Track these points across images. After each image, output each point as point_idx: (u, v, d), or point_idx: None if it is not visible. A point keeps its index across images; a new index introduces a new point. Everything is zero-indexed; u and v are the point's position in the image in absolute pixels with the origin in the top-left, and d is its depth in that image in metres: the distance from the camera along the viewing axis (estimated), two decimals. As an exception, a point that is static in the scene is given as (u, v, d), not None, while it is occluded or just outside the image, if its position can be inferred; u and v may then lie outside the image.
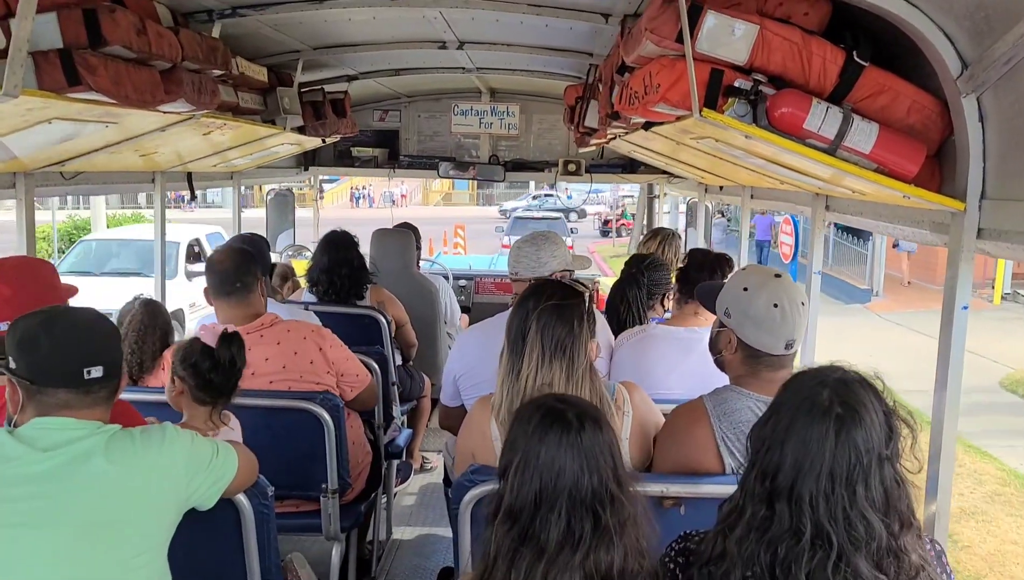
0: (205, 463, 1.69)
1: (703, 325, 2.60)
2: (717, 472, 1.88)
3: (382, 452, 3.37)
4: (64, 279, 2.09)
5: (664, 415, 2.13)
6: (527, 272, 2.75)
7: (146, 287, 7.17)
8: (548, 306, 1.96)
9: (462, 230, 19.74)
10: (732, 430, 1.88)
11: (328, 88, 4.25)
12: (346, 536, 2.93)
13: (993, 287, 15.28)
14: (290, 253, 5.68)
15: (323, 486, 2.69)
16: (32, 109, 1.81)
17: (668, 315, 3.22)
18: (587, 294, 2.06)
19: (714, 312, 2.07)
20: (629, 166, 5.58)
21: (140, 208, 27.04)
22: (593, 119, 3.53)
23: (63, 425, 1.54)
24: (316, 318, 3.25)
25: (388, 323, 3.85)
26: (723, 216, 18.25)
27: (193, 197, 4.38)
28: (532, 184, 28.73)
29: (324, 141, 4.51)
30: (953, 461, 1.96)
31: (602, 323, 2.85)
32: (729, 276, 2.53)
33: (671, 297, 3.28)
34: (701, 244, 5.23)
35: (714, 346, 2.05)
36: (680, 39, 1.86)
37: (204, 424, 2.15)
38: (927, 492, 1.91)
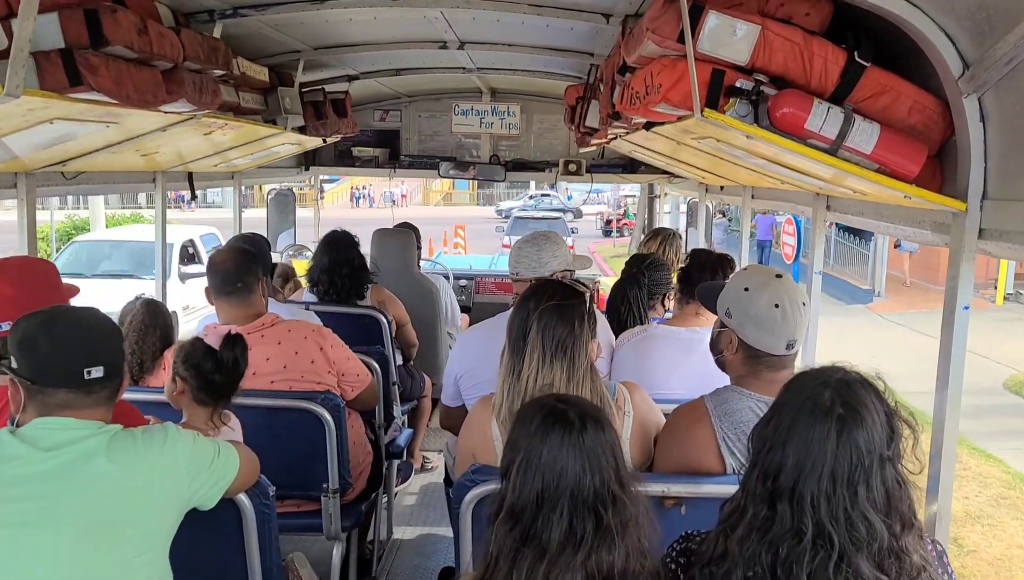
0: (207, 463, 1.70)
1: (704, 325, 2.60)
2: (718, 472, 1.88)
3: (383, 452, 3.37)
4: (56, 281, 2.08)
5: (665, 415, 2.13)
6: (528, 272, 2.75)
7: (139, 289, 7.15)
8: (549, 306, 1.96)
9: (462, 230, 19.75)
10: (733, 430, 1.88)
11: (329, 88, 4.25)
12: (347, 536, 2.94)
13: (996, 288, 15.24)
14: (291, 253, 5.68)
15: (324, 486, 2.69)
16: (34, 109, 1.81)
17: (669, 315, 3.22)
18: (588, 294, 2.06)
19: (715, 312, 2.07)
20: (630, 166, 5.58)
21: (140, 208, 27.02)
22: (594, 119, 3.53)
23: (65, 425, 1.54)
24: (317, 318, 3.25)
25: (389, 323, 3.85)
26: (724, 216, 18.22)
27: (194, 197, 4.38)
28: (532, 184, 28.74)
29: (325, 141, 4.52)
30: (954, 462, 1.96)
31: (603, 323, 2.85)
32: (730, 276, 2.53)
33: (672, 297, 3.29)
34: (702, 244, 5.22)
35: (715, 346, 2.06)
36: (681, 39, 1.86)
37: (204, 424, 2.15)
38: (928, 493, 1.91)
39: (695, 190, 5.25)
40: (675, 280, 3.28)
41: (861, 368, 1.36)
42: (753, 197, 3.96)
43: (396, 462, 3.82)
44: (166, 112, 2.37)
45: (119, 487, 1.54)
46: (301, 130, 3.79)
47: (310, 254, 4.71)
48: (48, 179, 2.76)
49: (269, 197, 6.04)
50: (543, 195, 34.06)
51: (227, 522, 1.89)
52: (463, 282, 6.69)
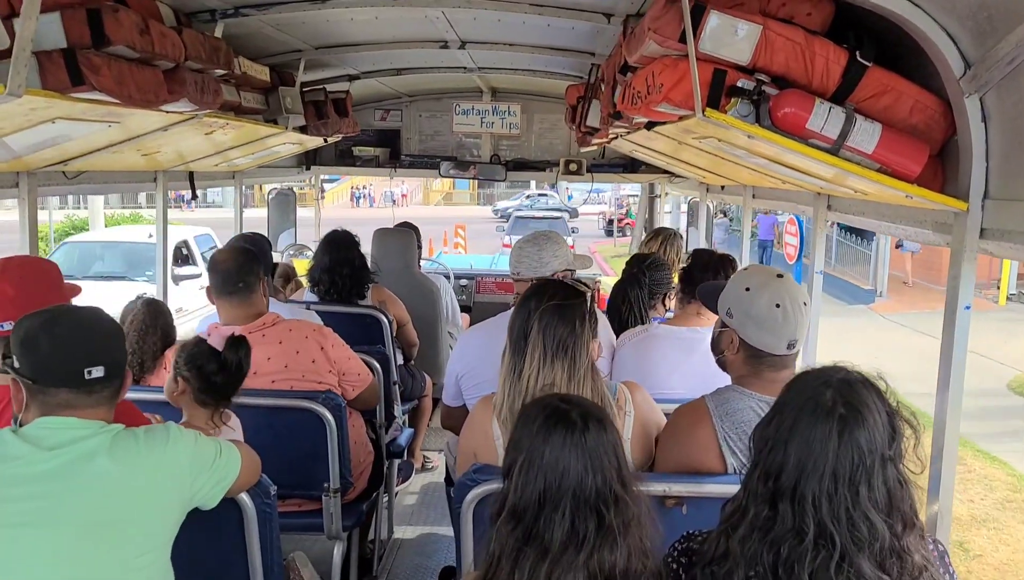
0: (209, 463, 1.70)
1: (705, 325, 2.60)
2: (719, 472, 1.88)
3: (384, 451, 3.38)
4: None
5: (666, 415, 2.13)
6: (529, 272, 2.75)
7: (132, 291, 7.08)
8: (550, 306, 1.96)
9: (462, 230, 19.75)
10: (734, 430, 1.88)
11: (330, 87, 4.25)
12: (348, 535, 2.94)
13: (999, 288, 15.13)
14: (291, 252, 5.68)
15: (325, 485, 2.69)
16: (36, 109, 1.82)
17: (670, 315, 3.23)
18: (589, 294, 2.06)
19: (716, 312, 2.07)
20: (630, 166, 5.58)
21: (140, 207, 26.98)
22: (595, 118, 3.53)
23: (67, 425, 1.54)
24: (318, 317, 3.25)
25: (389, 322, 3.85)
26: (725, 216, 18.20)
27: (194, 196, 4.38)
28: (533, 184, 28.71)
29: (326, 140, 4.52)
30: (955, 462, 1.96)
31: (604, 323, 2.85)
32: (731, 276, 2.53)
33: (673, 297, 3.29)
34: (702, 244, 5.22)
35: (716, 346, 2.05)
36: (683, 39, 1.86)
37: (205, 424, 2.15)
38: (929, 492, 1.91)
39: (696, 190, 5.25)
40: (676, 280, 3.28)
41: (863, 368, 1.36)
42: (754, 197, 3.96)
43: (397, 461, 3.82)
44: (167, 112, 2.37)
45: (121, 486, 1.54)
46: (302, 130, 3.80)
47: (311, 254, 4.72)
48: (49, 178, 2.76)
49: (270, 197, 6.04)
50: (540, 195, 33.99)
51: (228, 522, 1.89)
52: (464, 282, 6.69)
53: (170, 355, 2.42)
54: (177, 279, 9.82)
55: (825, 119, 1.82)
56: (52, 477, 1.50)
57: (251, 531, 1.92)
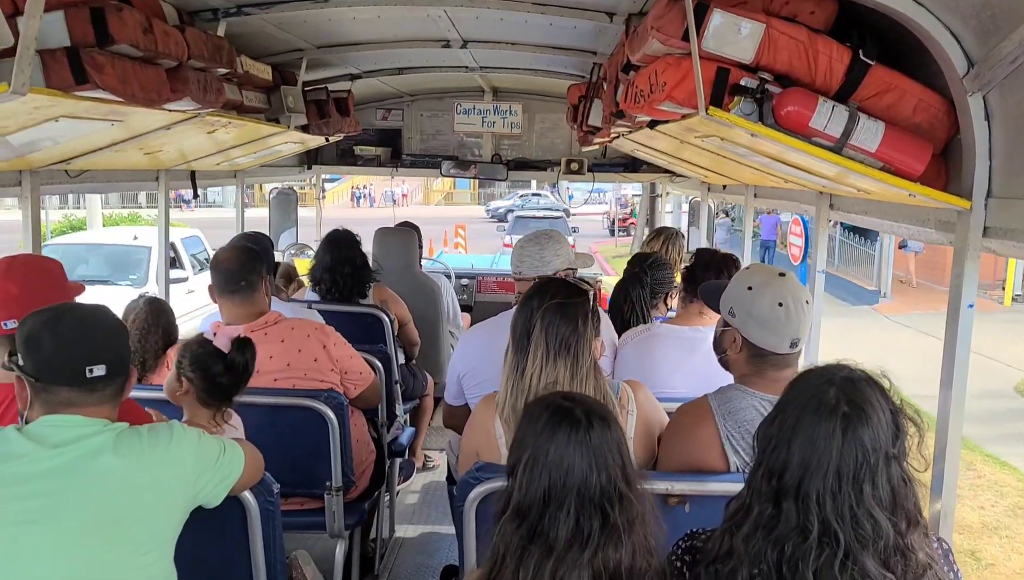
0: (212, 461, 1.70)
1: (708, 324, 2.60)
2: (722, 470, 1.88)
3: (385, 450, 3.38)
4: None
5: (668, 414, 2.13)
6: (531, 271, 2.75)
7: (115, 297, 7.01)
8: (552, 305, 1.96)
9: (463, 230, 19.75)
10: (737, 429, 1.89)
11: (331, 87, 4.26)
12: (350, 534, 2.94)
13: (1004, 288, 14.99)
14: (293, 252, 5.68)
15: (327, 484, 2.69)
16: (39, 107, 1.82)
17: (672, 314, 3.22)
18: (591, 292, 2.06)
19: (718, 311, 2.07)
20: (631, 165, 5.57)
21: (140, 207, 26.93)
22: (597, 118, 3.53)
23: (71, 422, 1.54)
24: (319, 316, 3.25)
25: (391, 322, 3.85)
26: (727, 216, 18.17)
27: (196, 195, 4.38)
28: (534, 183, 28.70)
29: (327, 140, 4.52)
30: (958, 460, 1.96)
31: (606, 322, 2.85)
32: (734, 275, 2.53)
33: (674, 296, 3.29)
34: (704, 244, 5.22)
35: (718, 345, 2.06)
36: (686, 37, 1.86)
37: (208, 423, 2.15)
38: (932, 491, 1.91)
39: (697, 189, 5.24)
40: (678, 279, 3.28)
41: (866, 366, 1.36)
42: (756, 196, 3.96)
43: (398, 460, 3.83)
44: (170, 110, 2.38)
45: (126, 484, 1.54)
46: (304, 129, 3.80)
47: (312, 253, 4.72)
48: (52, 177, 2.76)
49: (271, 196, 6.05)
50: (533, 194, 33.87)
51: (232, 519, 1.90)
52: (465, 281, 6.70)
53: (172, 354, 2.42)
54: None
55: (828, 117, 1.82)
56: (56, 475, 1.50)
57: (254, 529, 1.92)
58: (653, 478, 1.84)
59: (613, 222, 26.21)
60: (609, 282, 6.30)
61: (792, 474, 1.29)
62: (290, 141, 4.07)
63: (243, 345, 2.19)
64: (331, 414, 2.61)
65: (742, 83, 1.87)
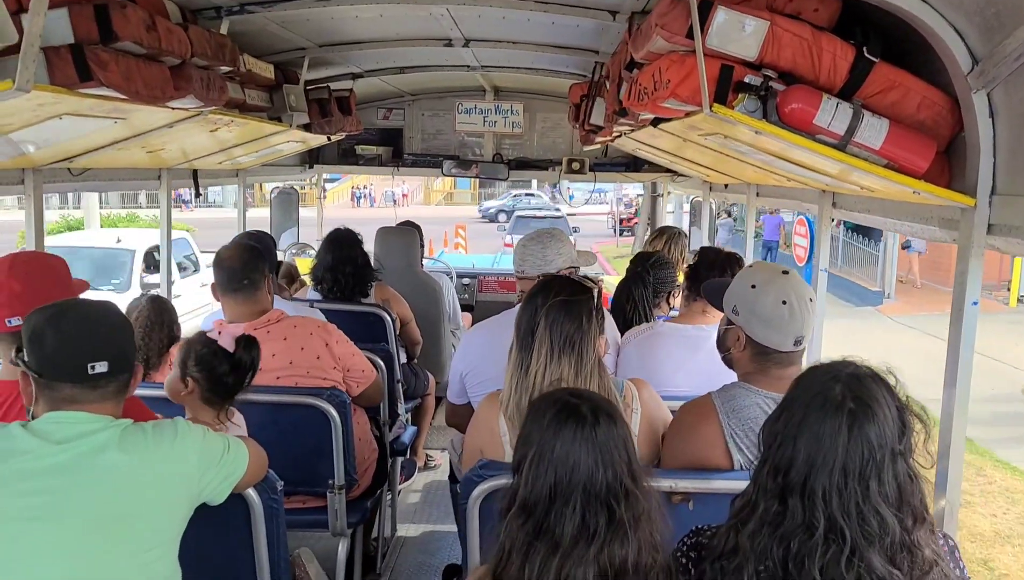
0: (217, 458, 1.70)
1: (711, 323, 2.60)
2: (726, 468, 1.88)
3: (387, 449, 3.38)
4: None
5: (672, 412, 2.13)
6: (533, 270, 2.75)
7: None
8: (557, 302, 1.96)
9: (463, 230, 19.75)
10: (741, 427, 1.88)
11: (333, 86, 4.26)
12: (352, 532, 2.94)
13: (1009, 289, 14.82)
14: (294, 251, 5.68)
15: (330, 482, 2.69)
16: (43, 104, 1.82)
17: (674, 313, 3.22)
18: (595, 290, 2.06)
19: (721, 309, 2.07)
20: (633, 164, 5.57)
21: (140, 207, 26.86)
22: (599, 116, 3.53)
23: (75, 419, 1.54)
24: (321, 315, 3.25)
25: (393, 321, 3.85)
26: (729, 216, 18.15)
27: (198, 194, 4.38)
28: (534, 182, 28.71)
29: (329, 139, 4.52)
30: (963, 457, 1.96)
31: (608, 321, 2.85)
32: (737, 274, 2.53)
33: (677, 295, 3.29)
34: (705, 244, 5.22)
35: (722, 344, 2.06)
36: (690, 35, 1.86)
37: (212, 421, 2.15)
38: (936, 488, 1.91)
39: (699, 188, 5.24)
40: (681, 278, 3.28)
41: (872, 362, 1.36)
42: (758, 195, 3.96)
43: (400, 459, 3.83)
44: (173, 108, 2.37)
45: (131, 480, 1.53)
46: (306, 128, 3.80)
47: (313, 253, 4.72)
48: (55, 175, 2.76)
49: (272, 196, 6.05)
50: (527, 194, 33.85)
51: (235, 517, 1.90)
52: (466, 281, 6.70)
53: (175, 352, 2.41)
54: (146, 287, 8.93)
55: (832, 115, 1.82)
56: (61, 471, 1.50)
57: (258, 526, 1.92)
58: (657, 476, 1.84)
59: (619, 222, 26.20)
60: (610, 282, 6.30)
61: (798, 471, 1.29)
62: (292, 140, 4.07)
63: (249, 343, 2.19)
64: (334, 412, 2.61)
65: (746, 80, 1.87)
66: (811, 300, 1.95)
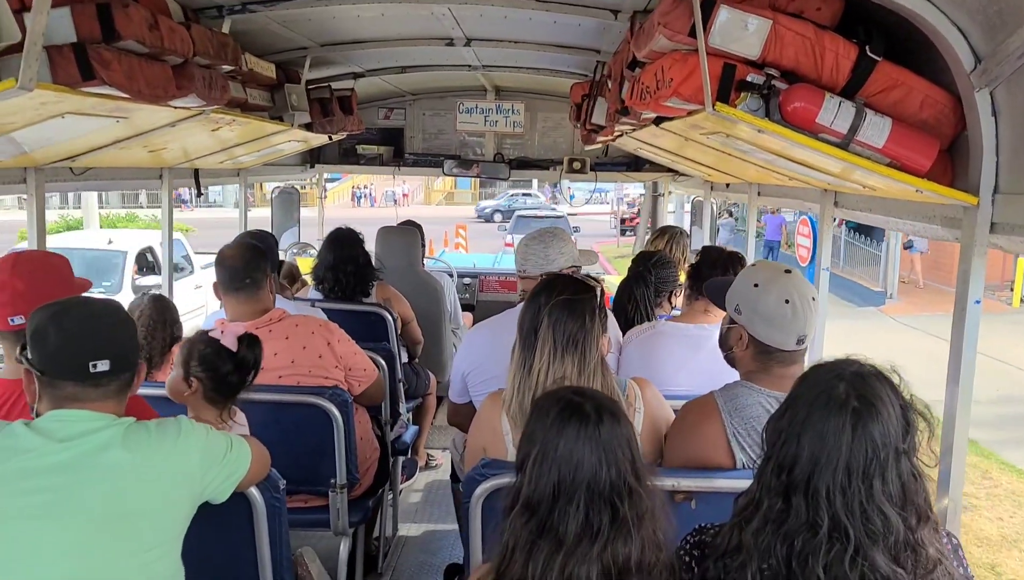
0: (220, 456, 1.69)
1: (713, 322, 2.60)
2: (728, 467, 1.88)
3: (389, 448, 3.38)
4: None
5: (674, 411, 2.13)
6: (535, 269, 2.76)
7: None
8: (560, 301, 1.96)
9: (463, 230, 19.75)
10: (743, 425, 1.88)
11: (335, 85, 4.26)
12: (353, 532, 2.94)
13: (1012, 289, 14.77)
14: (295, 250, 5.68)
15: (332, 481, 2.69)
16: (46, 103, 1.82)
17: (676, 313, 3.22)
18: (599, 289, 2.06)
19: (723, 308, 2.07)
20: (634, 164, 5.58)
21: (141, 207, 26.82)
22: (600, 116, 3.53)
23: (78, 417, 1.54)
24: (323, 314, 3.25)
25: (394, 320, 3.85)
26: (731, 216, 18.13)
27: (200, 193, 4.38)
28: (535, 182, 28.72)
29: (331, 138, 4.52)
30: (965, 455, 1.97)
31: (610, 321, 2.85)
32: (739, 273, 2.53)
33: (679, 294, 3.28)
34: (707, 243, 5.21)
35: (724, 343, 2.05)
36: (693, 33, 1.86)
37: (215, 420, 2.15)
38: (939, 486, 1.92)
39: (700, 188, 5.24)
40: (683, 278, 3.28)
41: (876, 361, 1.35)
42: (760, 194, 3.96)
43: (401, 459, 3.83)
44: (175, 107, 2.38)
45: (134, 478, 1.53)
46: (307, 127, 3.80)
47: (314, 252, 4.72)
48: (57, 174, 2.76)
49: (273, 195, 6.05)
50: (524, 194, 33.82)
51: (238, 516, 1.90)
52: (467, 280, 6.70)
53: (177, 351, 2.41)
54: (138, 290, 8.77)
55: (835, 114, 1.82)
56: (64, 469, 1.49)
57: (260, 525, 1.92)
58: (659, 474, 1.84)
59: (622, 221, 26.23)
60: (611, 281, 6.30)
61: (802, 469, 1.29)
62: (293, 140, 4.07)
63: (252, 341, 2.19)
64: (336, 411, 2.61)
65: (748, 79, 1.87)
66: (814, 299, 1.95)
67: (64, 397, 1.55)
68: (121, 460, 1.52)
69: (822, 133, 1.85)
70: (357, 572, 3.12)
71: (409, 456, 4.24)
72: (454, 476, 3.14)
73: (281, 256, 4.81)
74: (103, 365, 1.55)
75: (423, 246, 5.04)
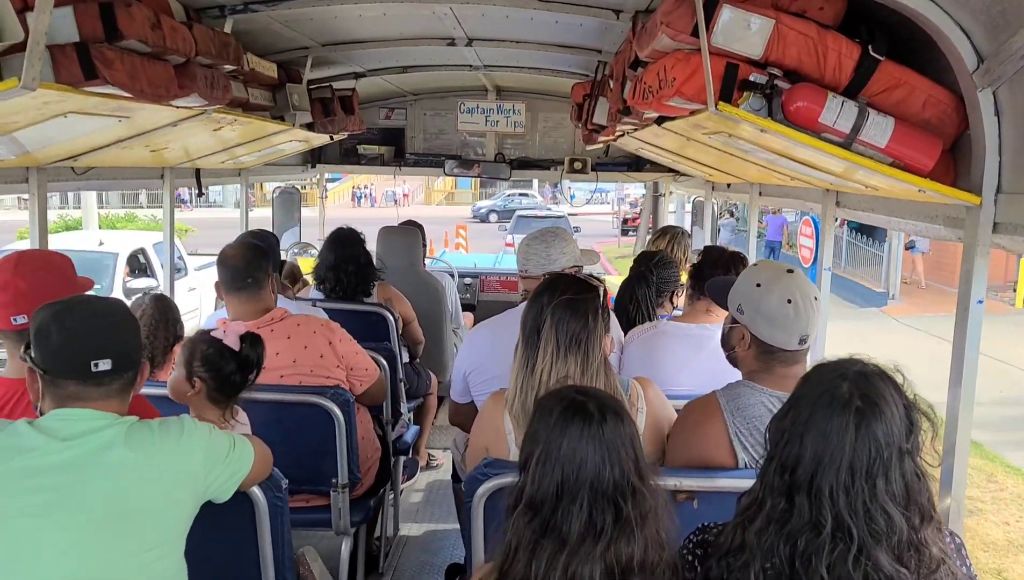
0: (223, 455, 1.69)
1: (715, 322, 2.60)
2: (730, 467, 1.88)
3: (390, 448, 3.38)
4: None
5: (675, 411, 2.13)
6: (537, 269, 2.76)
7: None
8: (563, 300, 1.96)
9: (464, 230, 19.76)
10: (746, 425, 1.88)
11: (336, 85, 4.26)
12: (355, 531, 2.94)
13: (1015, 290, 14.59)
14: (296, 250, 5.69)
15: (333, 481, 2.69)
16: (49, 103, 1.82)
17: (678, 313, 3.22)
18: (601, 288, 2.06)
19: (726, 308, 2.07)
20: (635, 164, 5.57)
21: (141, 207, 26.77)
22: (602, 116, 3.53)
23: (81, 416, 1.54)
24: (324, 314, 3.25)
25: (395, 320, 3.85)
26: (732, 216, 18.11)
27: (201, 193, 4.38)
28: (536, 183, 28.72)
29: (332, 138, 4.52)
30: (967, 455, 1.97)
31: (612, 321, 2.85)
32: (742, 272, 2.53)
33: (680, 294, 3.28)
34: (708, 243, 5.21)
35: (727, 342, 2.05)
36: (696, 33, 1.86)
37: (218, 419, 2.15)
38: (942, 486, 1.91)
39: (701, 188, 5.24)
40: (684, 278, 3.28)
41: (879, 360, 1.35)
42: (761, 194, 3.96)
43: (403, 459, 3.82)
44: (177, 107, 2.38)
45: (137, 477, 1.53)
46: (309, 127, 3.80)
47: (315, 252, 4.72)
48: (59, 174, 2.76)
49: (274, 195, 6.05)
50: (520, 194, 33.79)
51: (240, 515, 1.89)
52: (468, 280, 6.70)
53: (178, 351, 2.41)
54: (129, 293, 8.41)
55: (838, 113, 1.82)
56: (65, 468, 1.49)
57: (263, 524, 1.92)
58: (662, 474, 1.84)
59: (624, 221, 26.27)
60: (612, 282, 6.29)
61: (805, 468, 1.28)
62: (295, 139, 4.07)
63: (254, 340, 2.19)
64: (338, 411, 2.61)
65: (751, 79, 1.87)
66: (816, 299, 1.95)
67: (67, 396, 1.55)
68: (124, 459, 1.52)
69: (825, 133, 1.85)
70: (358, 572, 3.12)
71: (410, 456, 4.24)
72: (455, 476, 3.14)
73: (282, 256, 4.81)
74: (104, 364, 1.55)
75: (424, 246, 5.04)
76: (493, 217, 31.23)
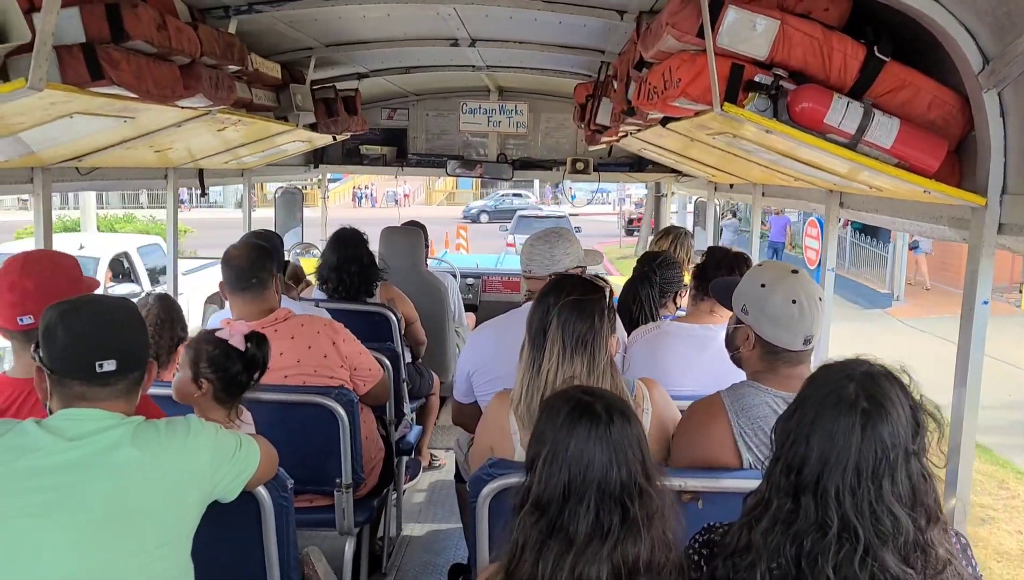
0: (229, 455, 1.70)
1: (718, 322, 2.60)
2: (735, 467, 1.88)
3: (394, 448, 3.38)
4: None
5: (680, 412, 2.13)
6: (541, 269, 2.75)
7: None
8: (569, 301, 1.96)
9: (464, 231, 19.75)
10: (750, 425, 1.89)
11: (339, 86, 4.26)
12: (358, 531, 2.94)
13: (1021, 291, 14.54)
14: (298, 251, 5.69)
15: (337, 481, 2.69)
16: (55, 103, 1.82)
17: (681, 313, 3.22)
18: (607, 289, 2.07)
19: (730, 308, 2.07)
20: (637, 165, 5.58)
21: (141, 208, 26.67)
22: (605, 116, 3.53)
23: (88, 416, 1.54)
24: (327, 314, 3.26)
25: (398, 320, 3.85)
26: (735, 216, 18.09)
27: (204, 193, 4.39)
28: (537, 183, 28.72)
29: (335, 138, 4.53)
30: (972, 456, 1.97)
31: (616, 321, 2.85)
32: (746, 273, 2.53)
33: (683, 295, 3.29)
34: (710, 244, 5.21)
35: (731, 343, 2.06)
36: (701, 34, 1.86)
37: (224, 419, 2.15)
38: (947, 486, 1.91)
39: (703, 189, 5.24)
40: (687, 278, 3.28)
41: (885, 361, 1.35)
42: (764, 195, 3.96)
43: (406, 459, 3.83)
44: (182, 107, 2.38)
45: (143, 476, 1.53)
46: (312, 127, 3.80)
47: (318, 252, 4.72)
48: (63, 174, 2.77)
49: (276, 196, 6.06)
50: (515, 195, 33.70)
51: (246, 515, 1.90)
52: (470, 281, 6.70)
53: (183, 351, 2.41)
54: None
55: (843, 114, 1.82)
56: (71, 468, 1.49)
57: (268, 524, 1.92)
58: (668, 474, 1.84)
59: (629, 221, 26.29)
60: (614, 282, 6.28)
61: (811, 469, 1.29)
62: (298, 140, 4.08)
63: (260, 340, 2.20)
64: (342, 411, 2.61)
65: (756, 79, 1.86)
66: (820, 299, 1.95)
67: (73, 396, 1.55)
68: (130, 459, 1.52)
69: (830, 133, 1.85)
70: (361, 572, 3.12)
71: (413, 456, 4.24)
72: (458, 476, 3.14)
73: (284, 256, 4.82)
74: (109, 365, 1.55)
75: (427, 246, 5.04)
76: (484, 217, 31.18)
